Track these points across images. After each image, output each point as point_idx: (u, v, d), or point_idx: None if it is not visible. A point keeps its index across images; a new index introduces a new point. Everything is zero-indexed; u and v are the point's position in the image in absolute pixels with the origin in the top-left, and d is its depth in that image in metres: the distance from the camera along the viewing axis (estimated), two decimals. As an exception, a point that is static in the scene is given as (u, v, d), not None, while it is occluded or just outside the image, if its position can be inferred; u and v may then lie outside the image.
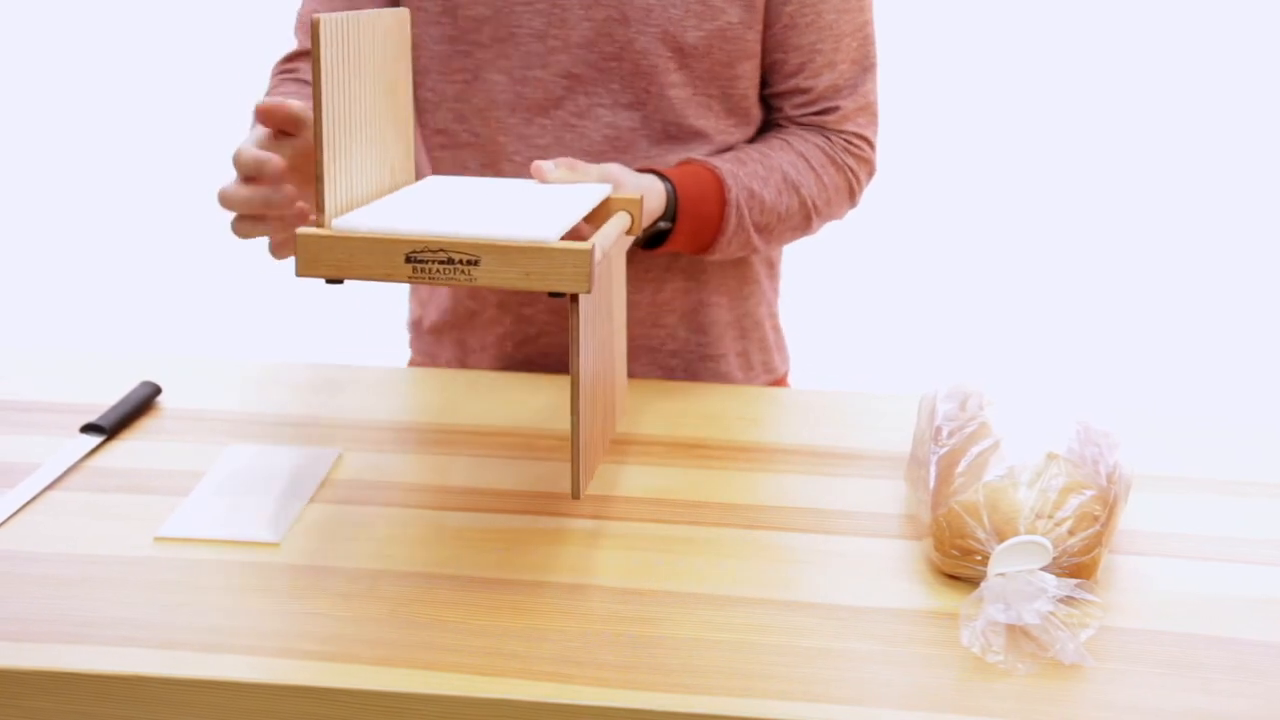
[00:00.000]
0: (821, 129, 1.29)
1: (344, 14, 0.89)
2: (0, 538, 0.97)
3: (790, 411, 1.25)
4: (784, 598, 0.90)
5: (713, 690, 0.79)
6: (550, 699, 0.79)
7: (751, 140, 1.30)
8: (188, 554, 0.95)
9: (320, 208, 0.89)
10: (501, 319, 1.33)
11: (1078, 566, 0.88)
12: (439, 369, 1.36)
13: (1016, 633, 0.84)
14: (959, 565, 0.91)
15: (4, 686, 0.81)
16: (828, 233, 1.40)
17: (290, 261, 0.98)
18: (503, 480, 1.07)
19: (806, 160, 1.26)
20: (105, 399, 1.20)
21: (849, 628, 0.87)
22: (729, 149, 1.27)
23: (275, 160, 0.94)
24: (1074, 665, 0.82)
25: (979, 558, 0.89)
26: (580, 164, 1.07)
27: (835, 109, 1.28)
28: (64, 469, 1.07)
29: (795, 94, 1.28)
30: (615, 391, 1.07)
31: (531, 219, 0.90)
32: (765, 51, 1.26)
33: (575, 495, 0.92)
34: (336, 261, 0.87)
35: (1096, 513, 0.90)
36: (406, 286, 1.44)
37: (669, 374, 1.36)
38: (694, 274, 1.33)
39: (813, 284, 2.80)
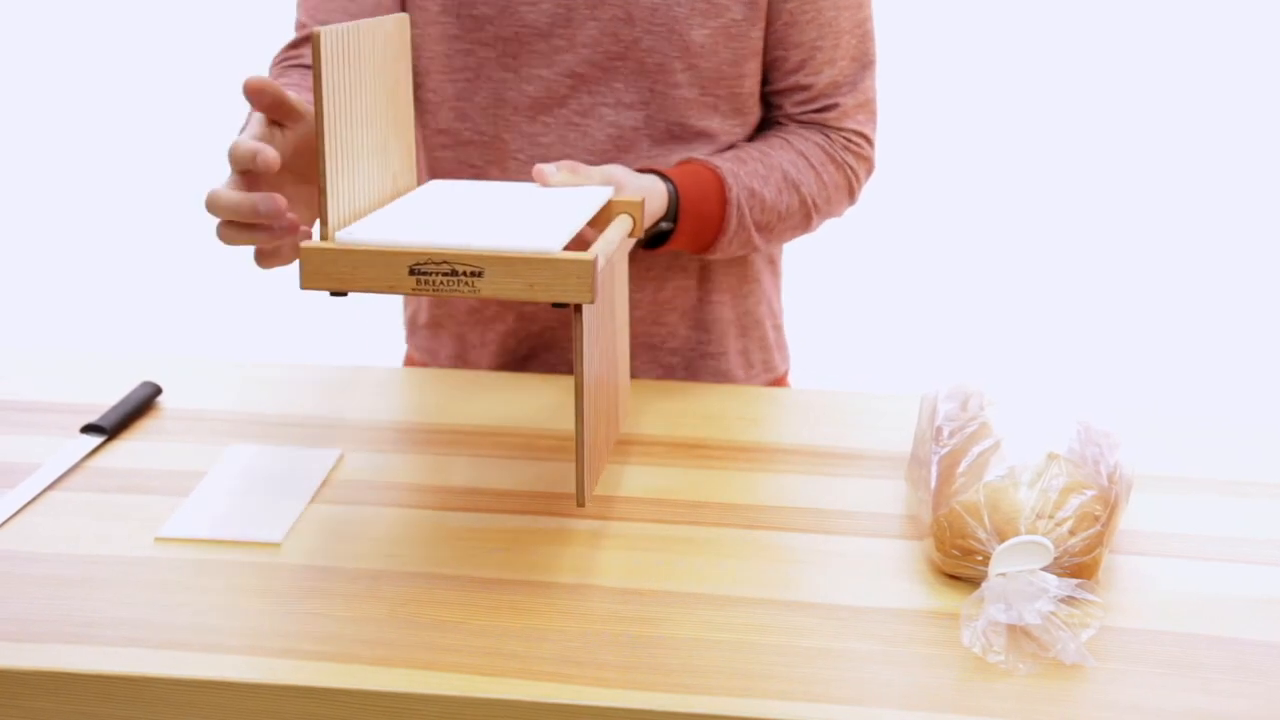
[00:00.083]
0: (821, 127, 1.29)
1: (344, 25, 0.89)
2: (1, 538, 0.97)
3: (790, 411, 1.25)
4: (784, 598, 0.90)
5: (713, 690, 0.79)
6: (550, 699, 0.79)
7: (750, 138, 1.30)
8: (188, 554, 0.95)
9: (323, 220, 0.88)
10: (504, 316, 1.33)
11: (1079, 566, 0.88)
12: (439, 369, 1.36)
13: (1017, 633, 0.84)
14: (960, 565, 0.91)
15: (4, 686, 0.81)
16: (828, 231, 1.40)
17: (289, 264, 0.98)
18: (503, 480, 1.07)
19: (806, 158, 1.26)
20: (105, 399, 1.20)
21: (849, 628, 0.86)
22: (729, 148, 1.27)
23: (269, 152, 0.92)
24: (1075, 665, 0.82)
25: (980, 558, 0.89)
26: (582, 167, 1.06)
27: (835, 106, 1.28)
28: (64, 469, 1.07)
29: (796, 91, 1.28)
30: (619, 394, 1.07)
31: (534, 228, 0.90)
32: (766, 49, 1.26)
33: (580, 503, 0.91)
34: (340, 274, 0.87)
35: (1097, 513, 0.90)
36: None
37: (669, 371, 1.36)
38: (695, 272, 1.33)
39: (813, 283, 2.80)
